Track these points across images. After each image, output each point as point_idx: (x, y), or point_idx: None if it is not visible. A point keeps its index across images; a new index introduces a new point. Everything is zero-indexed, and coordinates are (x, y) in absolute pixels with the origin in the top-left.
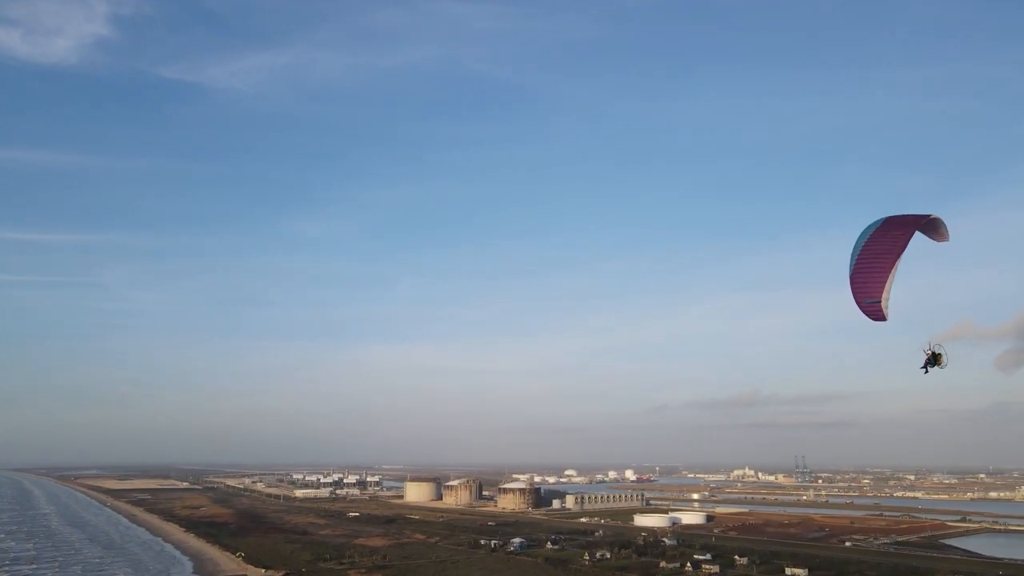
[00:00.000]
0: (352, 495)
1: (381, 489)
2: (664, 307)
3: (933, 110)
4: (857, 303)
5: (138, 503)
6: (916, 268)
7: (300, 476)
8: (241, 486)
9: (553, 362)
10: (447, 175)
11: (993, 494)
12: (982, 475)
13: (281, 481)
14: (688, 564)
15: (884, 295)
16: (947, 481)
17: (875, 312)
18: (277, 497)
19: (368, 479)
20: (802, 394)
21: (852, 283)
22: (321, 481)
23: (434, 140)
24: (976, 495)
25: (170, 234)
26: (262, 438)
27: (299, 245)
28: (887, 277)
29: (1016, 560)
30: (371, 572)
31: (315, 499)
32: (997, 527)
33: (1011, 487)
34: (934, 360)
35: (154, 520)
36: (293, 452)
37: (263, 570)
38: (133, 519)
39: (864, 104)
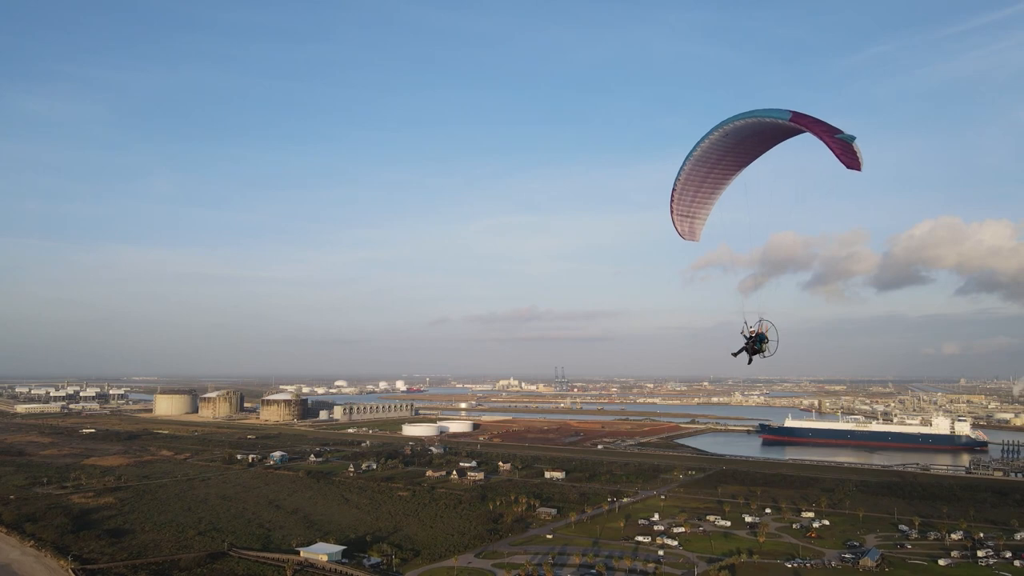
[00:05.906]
0: (90, 410)
1: (126, 402)
2: (444, 223)
3: (696, 54)
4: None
5: None
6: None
7: (25, 390)
8: None
9: (328, 272)
10: (214, 64)
11: (715, 399)
12: (706, 383)
13: None
14: (454, 472)
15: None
16: (679, 388)
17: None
18: None
19: (111, 392)
20: (572, 311)
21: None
22: (51, 395)
23: (203, 21)
24: (702, 400)
25: None
26: None
27: (25, 125)
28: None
29: (736, 456)
30: (100, 496)
31: (41, 415)
32: (719, 427)
33: (728, 393)
34: (758, 343)
35: None
36: (20, 363)
37: None
38: None
39: (637, 39)
